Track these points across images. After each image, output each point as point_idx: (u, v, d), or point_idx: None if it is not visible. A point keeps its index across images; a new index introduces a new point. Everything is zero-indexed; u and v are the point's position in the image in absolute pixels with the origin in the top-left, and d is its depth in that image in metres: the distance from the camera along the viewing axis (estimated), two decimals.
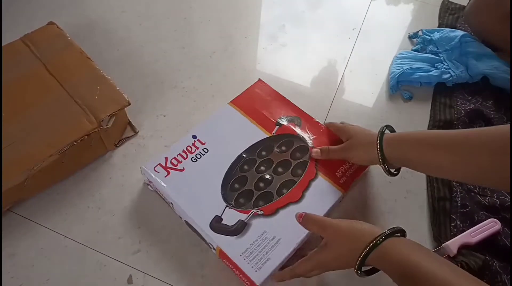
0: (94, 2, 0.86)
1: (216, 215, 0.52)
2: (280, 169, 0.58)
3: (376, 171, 0.66)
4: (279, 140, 0.61)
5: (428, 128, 0.71)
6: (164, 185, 0.55)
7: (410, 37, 0.86)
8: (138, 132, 0.67)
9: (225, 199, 0.54)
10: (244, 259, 0.49)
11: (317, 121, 0.64)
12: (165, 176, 0.55)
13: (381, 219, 0.61)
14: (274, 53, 0.82)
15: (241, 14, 0.88)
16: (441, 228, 0.58)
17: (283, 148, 0.60)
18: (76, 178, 0.61)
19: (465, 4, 0.92)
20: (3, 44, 0.65)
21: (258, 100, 0.66)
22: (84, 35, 0.79)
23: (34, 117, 0.57)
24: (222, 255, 0.50)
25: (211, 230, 0.51)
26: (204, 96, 0.73)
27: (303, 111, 0.66)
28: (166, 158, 0.57)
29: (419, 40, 0.84)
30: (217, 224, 0.52)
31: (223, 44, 0.82)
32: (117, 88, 0.61)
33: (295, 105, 0.66)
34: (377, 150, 0.53)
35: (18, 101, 0.59)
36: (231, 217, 0.52)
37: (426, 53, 0.81)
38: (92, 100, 0.59)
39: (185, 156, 0.57)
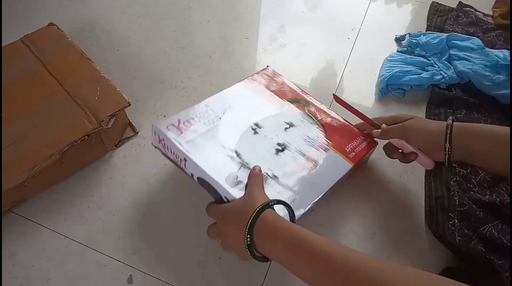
0: (94, 3, 0.86)
1: (231, 172, 0.51)
2: (292, 140, 0.58)
3: (377, 171, 0.66)
4: (290, 115, 0.61)
5: None
6: (177, 140, 0.52)
7: (397, 40, 0.86)
8: (138, 132, 0.67)
9: (239, 158, 0.53)
10: None
11: (324, 107, 0.65)
12: (178, 134, 0.53)
13: (381, 219, 0.61)
14: (273, 54, 0.82)
15: (240, 14, 0.88)
16: (439, 226, 0.58)
17: (294, 122, 0.61)
18: (76, 178, 0.61)
19: (454, 6, 0.93)
20: (3, 44, 0.66)
21: (267, 82, 0.66)
22: (84, 35, 0.79)
23: (34, 117, 0.57)
24: None
25: (227, 183, 0.50)
26: (204, 96, 0.72)
27: (310, 95, 0.67)
28: (179, 120, 0.55)
29: (405, 44, 0.84)
30: (233, 180, 0.50)
31: (223, 45, 0.82)
32: (117, 89, 0.61)
33: (302, 90, 0.67)
34: (447, 137, 0.51)
35: (18, 102, 0.59)
36: (246, 177, 0.51)
37: (414, 56, 0.81)
38: (92, 100, 0.59)
39: (197, 121, 0.55)
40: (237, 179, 0.50)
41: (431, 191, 0.62)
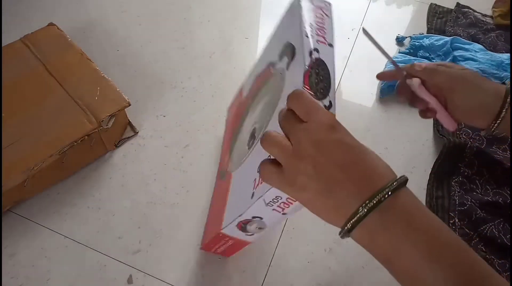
0: (94, 3, 0.86)
1: None
2: None
3: None
4: None
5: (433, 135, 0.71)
6: None
7: (398, 40, 0.86)
8: (138, 132, 0.67)
9: None
10: None
11: None
12: None
13: None
14: None
15: (240, 14, 0.88)
16: None
17: None
18: (76, 178, 0.61)
19: (452, 7, 0.92)
20: (3, 44, 0.66)
21: None
22: (84, 35, 0.79)
23: (34, 117, 0.57)
24: None
25: None
26: (204, 96, 0.73)
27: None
28: None
29: (408, 47, 0.84)
30: None
31: (223, 45, 0.82)
32: (117, 89, 0.61)
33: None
34: (507, 102, 0.42)
35: (18, 102, 0.59)
36: None
37: (418, 57, 0.81)
38: (92, 100, 0.59)
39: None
40: None
41: (432, 190, 0.62)
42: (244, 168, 0.47)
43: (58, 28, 0.68)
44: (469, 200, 0.60)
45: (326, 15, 0.43)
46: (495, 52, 0.80)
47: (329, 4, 0.44)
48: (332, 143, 0.29)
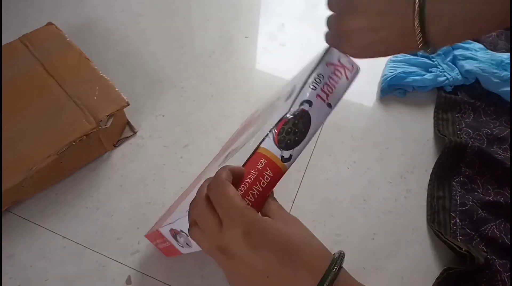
0: (93, 2, 0.86)
1: None
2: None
3: (376, 171, 0.65)
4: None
5: (434, 134, 0.71)
6: None
7: None
8: (137, 132, 0.66)
9: None
10: None
11: None
12: None
13: (381, 219, 0.60)
14: (273, 53, 0.81)
15: (240, 13, 0.88)
16: (440, 226, 0.58)
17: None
18: (74, 178, 0.61)
19: None
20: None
21: None
22: (83, 35, 0.79)
23: (32, 117, 0.57)
24: None
25: None
26: (204, 96, 0.72)
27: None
28: None
29: None
30: None
31: (222, 44, 0.81)
32: (116, 88, 0.61)
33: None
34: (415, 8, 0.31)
35: (16, 101, 0.58)
36: None
37: (418, 57, 0.80)
38: (91, 100, 0.59)
39: None
40: None
41: (433, 191, 0.62)
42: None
43: (56, 28, 0.68)
44: (470, 200, 0.60)
45: (346, 78, 0.41)
46: (495, 51, 0.80)
47: (358, 69, 0.42)
48: (249, 253, 0.29)
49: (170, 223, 0.41)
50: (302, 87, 0.37)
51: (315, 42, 0.83)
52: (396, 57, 0.80)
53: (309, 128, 0.36)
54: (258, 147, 0.34)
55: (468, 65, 0.75)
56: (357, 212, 0.61)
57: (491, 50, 0.80)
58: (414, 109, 0.74)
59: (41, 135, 0.55)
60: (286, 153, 0.35)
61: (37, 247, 0.54)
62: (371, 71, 0.79)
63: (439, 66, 0.77)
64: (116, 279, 0.52)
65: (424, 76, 0.75)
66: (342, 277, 0.29)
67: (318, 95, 0.37)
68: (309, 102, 0.37)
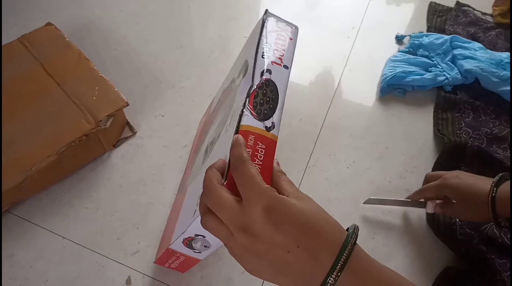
0: (92, 2, 0.86)
1: None
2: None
3: (376, 171, 0.65)
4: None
5: (434, 134, 0.71)
6: None
7: (398, 38, 0.85)
8: (136, 132, 0.66)
9: None
10: None
11: None
12: None
13: (381, 219, 0.60)
14: None
15: (239, 13, 0.88)
16: (440, 225, 0.58)
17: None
18: (74, 178, 0.61)
19: (452, 6, 0.92)
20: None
21: None
22: (82, 35, 0.79)
23: (32, 117, 0.57)
24: None
25: None
26: (203, 96, 0.72)
27: None
28: None
29: (407, 45, 0.83)
30: None
31: (222, 44, 0.81)
32: (115, 89, 0.61)
33: None
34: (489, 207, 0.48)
35: (16, 102, 0.58)
36: None
37: (417, 56, 0.80)
38: (90, 100, 0.59)
39: None
40: None
41: None
42: (195, 183, 0.46)
43: (56, 28, 0.68)
44: None
45: (290, 38, 0.43)
46: (495, 50, 0.80)
47: (296, 27, 0.44)
48: (268, 227, 0.29)
49: (181, 234, 0.41)
50: (255, 60, 0.38)
51: (314, 42, 0.83)
52: (396, 56, 0.80)
53: (278, 93, 0.38)
54: (239, 126, 0.35)
55: (467, 64, 0.75)
56: (357, 211, 0.61)
57: (491, 49, 0.80)
58: (413, 108, 0.74)
59: (40, 135, 0.55)
60: (268, 123, 0.36)
61: (37, 248, 0.54)
62: (371, 71, 0.79)
63: (438, 66, 0.77)
64: (116, 279, 0.52)
65: (423, 76, 0.75)
66: (357, 249, 0.31)
67: (273, 62, 0.39)
68: (269, 71, 0.39)
